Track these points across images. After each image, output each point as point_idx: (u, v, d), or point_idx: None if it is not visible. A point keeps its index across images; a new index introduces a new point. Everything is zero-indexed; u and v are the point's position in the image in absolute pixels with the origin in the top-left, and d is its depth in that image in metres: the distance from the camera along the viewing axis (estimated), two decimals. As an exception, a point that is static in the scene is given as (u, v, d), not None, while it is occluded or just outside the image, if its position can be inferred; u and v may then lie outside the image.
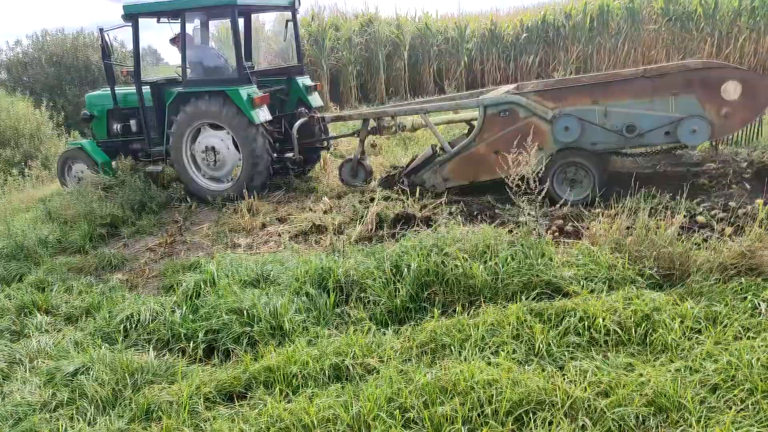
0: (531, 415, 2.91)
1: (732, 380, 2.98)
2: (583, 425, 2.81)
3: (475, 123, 7.66)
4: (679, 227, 4.83)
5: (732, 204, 5.41)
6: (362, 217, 6.21)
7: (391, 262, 4.46)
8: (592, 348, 3.44)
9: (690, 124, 5.92)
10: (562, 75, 15.89)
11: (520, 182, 4.62)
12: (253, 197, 7.26)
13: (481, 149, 6.63)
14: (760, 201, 5.31)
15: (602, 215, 5.09)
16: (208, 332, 3.99)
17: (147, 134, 8.42)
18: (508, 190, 4.71)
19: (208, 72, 8.18)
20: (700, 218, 5.27)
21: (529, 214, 4.61)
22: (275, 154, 7.83)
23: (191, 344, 3.89)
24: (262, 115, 7.46)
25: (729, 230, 4.82)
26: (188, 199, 7.81)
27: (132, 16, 7.82)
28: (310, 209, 6.96)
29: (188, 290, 4.54)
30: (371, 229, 5.91)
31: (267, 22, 19.79)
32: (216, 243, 6.25)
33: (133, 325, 4.20)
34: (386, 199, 6.61)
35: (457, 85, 18.09)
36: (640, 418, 2.84)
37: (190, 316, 4.15)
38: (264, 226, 6.69)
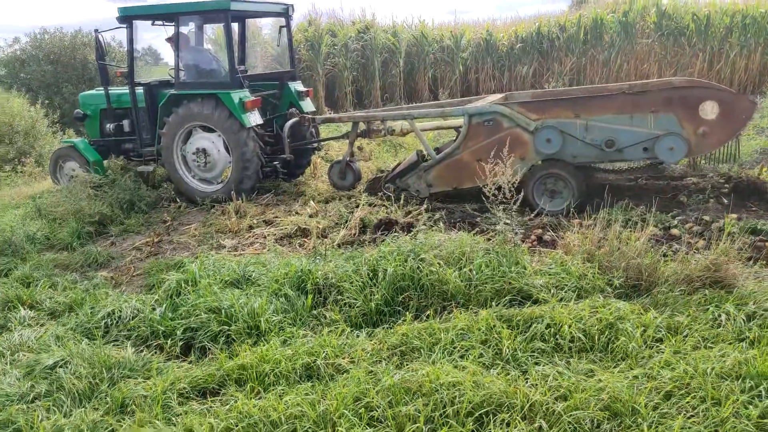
0: (491, 416, 3.01)
1: (686, 388, 3.10)
2: (540, 427, 2.92)
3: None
4: (653, 239, 4.99)
5: (706, 218, 5.54)
6: (347, 221, 6.32)
7: (369, 267, 4.57)
8: (556, 354, 3.55)
9: (668, 141, 6.06)
10: (554, 86, 16.07)
11: (496, 191, 4.73)
12: (242, 199, 7.37)
13: (465, 157, 6.75)
14: (732, 216, 5.46)
15: (578, 226, 5.21)
16: (186, 330, 4.08)
17: (139, 135, 8.54)
18: (484, 199, 4.83)
19: (201, 75, 8.30)
20: (674, 231, 5.40)
21: (505, 222, 4.73)
22: (266, 158, 7.95)
23: (169, 341, 3.98)
24: (253, 118, 7.59)
25: (700, 243, 4.96)
26: (177, 200, 7.91)
27: (126, 18, 7.95)
28: (297, 213, 7.07)
29: (170, 289, 4.63)
30: (354, 234, 6.02)
31: (265, 27, 19.95)
32: (202, 243, 6.35)
33: (114, 322, 4.29)
34: (371, 204, 6.72)
35: (451, 93, 18.25)
36: (595, 422, 2.95)
37: (170, 314, 4.24)
38: (251, 228, 6.79)
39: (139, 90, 8.39)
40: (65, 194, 7.46)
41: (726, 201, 6.27)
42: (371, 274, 4.49)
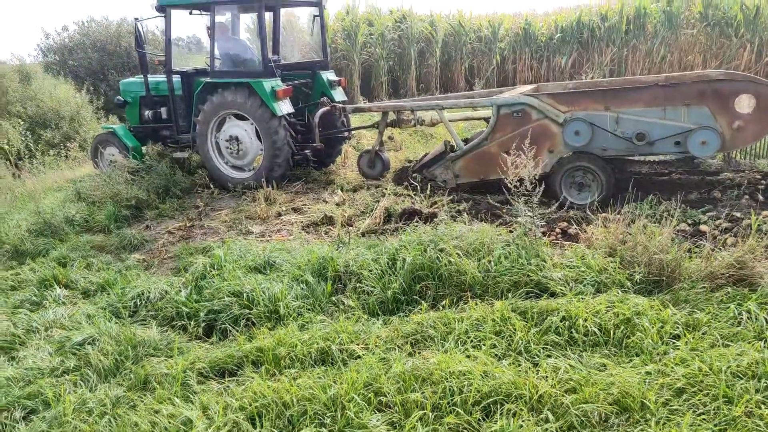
0: (498, 406, 3.04)
1: (699, 385, 3.06)
2: (546, 418, 2.93)
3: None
4: (681, 235, 4.89)
5: (737, 214, 5.39)
6: (372, 210, 6.39)
7: (389, 255, 4.63)
8: (570, 347, 3.55)
9: (700, 135, 5.91)
10: (591, 77, 15.74)
11: (518, 183, 4.72)
12: (272, 186, 7.51)
13: (493, 148, 6.73)
14: (764, 213, 5.30)
15: (603, 220, 5.14)
16: (209, 312, 4.22)
17: (176, 122, 8.76)
18: (505, 191, 4.82)
19: (236, 64, 8.44)
20: (703, 227, 5.27)
21: (526, 214, 4.71)
22: (297, 146, 8.06)
23: (192, 323, 4.13)
24: (285, 107, 7.70)
25: (729, 240, 4.84)
26: (211, 186, 8.11)
27: (164, 7, 8.14)
28: (325, 201, 7.17)
29: (196, 272, 4.78)
30: (379, 223, 6.08)
31: (301, 16, 20.09)
32: (231, 229, 6.51)
33: (143, 302, 4.47)
34: (397, 194, 6.76)
35: (487, 84, 18.09)
36: (603, 416, 2.95)
37: (195, 296, 4.39)
38: (279, 215, 6.92)
39: (176, 78, 8.60)
40: (104, 179, 7.73)
41: (762, 197, 6.08)
42: (390, 263, 4.55)
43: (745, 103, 5.71)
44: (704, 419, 2.84)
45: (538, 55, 18.47)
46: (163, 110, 9.00)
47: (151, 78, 9.04)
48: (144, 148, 8.84)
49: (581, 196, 6.42)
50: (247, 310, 4.17)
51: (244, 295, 4.27)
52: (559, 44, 18.14)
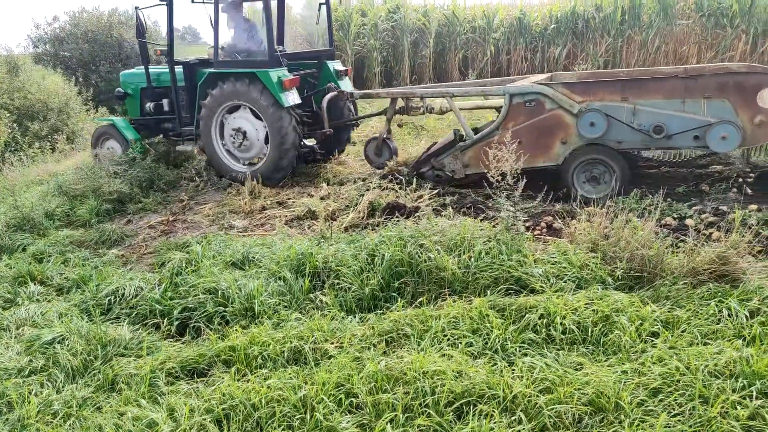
0: (471, 407, 2.98)
1: (675, 385, 3.00)
2: (519, 420, 2.87)
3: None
4: (666, 230, 4.82)
5: (723, 208, 5.32)
6: (356, 204, 6.31)
7: (368, 251, 4.55)
8: (547, 346, 3.48)
9: (721, 129, 5.73)
10: (584, 68, 15.63)
11: (500, 178, 4.64)
12: (257, 180, 7.39)
13: (504, 138, 6.55)
14: (752, 207, 5.24)
15: (587, 214, 5.07)
16: (184, 310, 4.15)
17: (178, 114, 8.48)
18: (487, 186, 4.74)
19: (241, 53, 8.14)
20: (689, 221, 5.20)
21: (507, 209, 4.63)
22: (304, 136, 7.85)
23: (165, 321, 4.05)
24: (291, 98, 7.48)
25: (716, 234, 4.77)
26: (196, 179, 8.00)
27: None
28: (310, 195, 7.08)
29: (173, 269, 4.70)
30: (363, 217, 6.00)
31: (294, 6, 19.90)
32: (214, 223, 6.43)
33: (117, 300, 4.39)
34: (382, 188, 6.68)
35: (480, 75, 17.95)
36: (577, 416, 2.88)
37: (169, 294, 4.31)
38: (264, 209, 6.84)
39: (179, 69, 8.33)
40: (86, 172, 7.62)
41: (750, 191, 6.00)
42: (369, 259, 4.47)
43: (767, 98, 5.54)
44: (679, 420, 2.78)
45: (533, 45, 18.31)
46: (165, 102, 8.72)
47: (153, 69, 8.75)
48: (146, 141, 8.60)
49: (596, 190, 6.26)
50: (222, 308, 4.10)
51: (220, 292, 4.20)
52: (554, 35, 17.98)
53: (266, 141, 7.71)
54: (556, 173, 6.48)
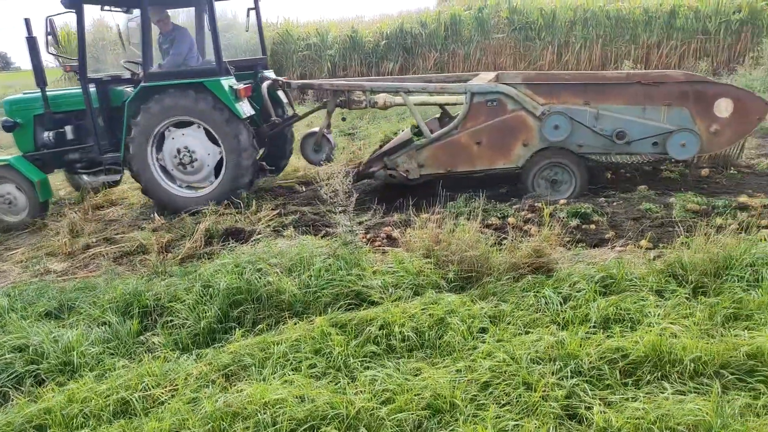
0: (315, 430, 2.92)
1: (503, 376, 3.18)
2: (362, 436, 2.87)
3: (448, 108, 7.42)
4: (491, 229, 5.15)
5: (539, 204, 5.82)
6: (192, 233, 5.99)
7: (203, 282, 4.33)
8: (387, 356, 3.54)
9: (680, 137, 5.94)
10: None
11: (332, 195, 4.67)
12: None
13: (463, 138, 6.37)
14: (561, 201, 5.77)
15: (421, 221, 5.27)
16: (-14, 375, 3.62)
17: (97, 140, 7.26)
18: (319, 203, 4.74)
19: (179, 63, 7.24)
20: (511, 219, 5.62)
21: (344, 224, 4.67)
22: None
23: (-38, 390, 3.51)
24: (246, 108, 6.84)
25: (534, 230, 5.19)
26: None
27: (75, 2, 6.67)
28: (141, 228, 6.61)
29: (-27, 328, 4.10)
30: (199, 246, 5.71)
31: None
32: (27, 270, 5.74)
33: None
34: (218, 213, 6.42)
35: (319, 92, 18.14)
36: (417, 422, 2.95)
37: (-32, 358, 3.74)
38: (88, 247, 6.24)
39: (93, 88, 7.21)
40: None
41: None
42: (204, 290, 4.25)
43: (723, 107, 5.83)
44: (507, 409, 2.95)
45: (367, 61, 18.94)
46: (69, 129, 7.42)
47: (49, 92, 7.32)
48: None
49: (555, 193, 6.34)
50: (35, 366, 3.64)
51: (31, 347, 3.73)
52: (386, 50, 18.76)
53: (216, 168, 6.97)
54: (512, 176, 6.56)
